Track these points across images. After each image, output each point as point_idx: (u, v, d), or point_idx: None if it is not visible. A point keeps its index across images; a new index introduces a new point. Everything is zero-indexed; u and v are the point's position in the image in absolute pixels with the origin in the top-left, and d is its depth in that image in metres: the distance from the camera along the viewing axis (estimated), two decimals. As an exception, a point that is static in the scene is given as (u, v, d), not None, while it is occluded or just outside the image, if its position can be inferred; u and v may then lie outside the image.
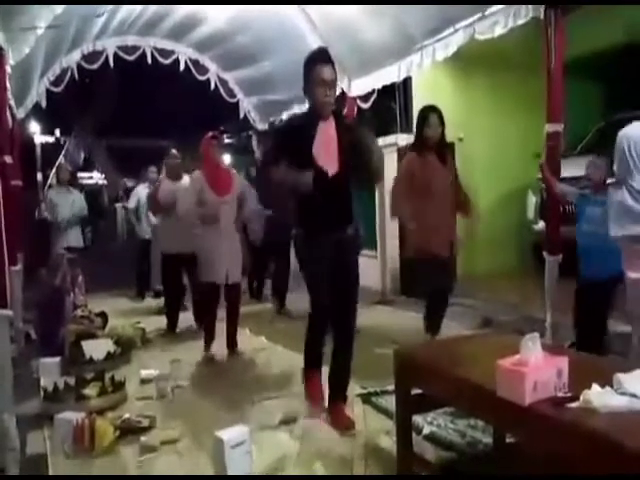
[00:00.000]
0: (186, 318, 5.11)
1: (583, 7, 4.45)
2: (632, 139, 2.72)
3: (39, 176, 13.94)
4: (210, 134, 4.19)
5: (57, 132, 16.37)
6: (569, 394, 1.52)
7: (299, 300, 4.23)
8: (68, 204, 6.25)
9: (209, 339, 4.13)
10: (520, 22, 3.62)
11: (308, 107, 2.84)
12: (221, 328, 4.24)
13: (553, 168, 3.51)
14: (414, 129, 3.88)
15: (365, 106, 5.78)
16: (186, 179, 4.82)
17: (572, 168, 5.03)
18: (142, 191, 6.57)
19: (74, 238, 6.25)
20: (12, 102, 4.74)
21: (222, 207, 4.02)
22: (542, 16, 3.42)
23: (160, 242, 5.19)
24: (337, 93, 2.86)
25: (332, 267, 2.71)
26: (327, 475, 2.30)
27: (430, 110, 3.69)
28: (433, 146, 3.66)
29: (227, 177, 4.18)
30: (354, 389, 3.11)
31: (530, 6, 3.49)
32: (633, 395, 1.46)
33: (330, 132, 2.71)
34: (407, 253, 3.84)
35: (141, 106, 14.94)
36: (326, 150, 2.67)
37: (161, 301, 5.95)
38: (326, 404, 2.85)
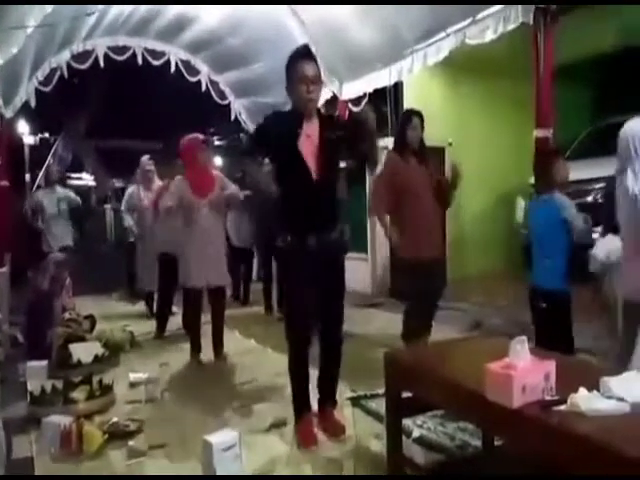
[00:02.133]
0: (176, 321, 5.08)
1: (572, 13, 4.50)
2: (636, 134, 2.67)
3: (27, 177, 13.80)
4: (201, 137, 4.13)
5: (46, 132, 16.22)
6: (557, 397, 1.54)
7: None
8: (54, 203, 6.21)
9: (196, 349, 4.09)
10: (510, 27, 3.66)
11: (291, 105, 2.76)
12: (208, 331, 4.24)
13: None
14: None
15: (356, 109, 5.80)
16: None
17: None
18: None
19: (63, 236, 6.21)
20: (0, 102, 4.70)
21: (202, 209, 3.97)
22: (531, 22, 3.46)
23: (155, 242, 5.15)
24: (324, 94, 2.82)
25: (317, 272, 2.64)
26: (323, 475, 2.30)
27: (413, 113, 3.74)
28: (414, 149, 3.69)
29: (210, 180, 4.10)
30: (344, 392, 3.11)
31: (520, 12, 3.53)
32: (620, 399, 1.47)
33: (315, 133, 2.65)
34: (396, 255, 3.84)
35: (131, 107, 14.85)
36: (311, 152, 2.62)
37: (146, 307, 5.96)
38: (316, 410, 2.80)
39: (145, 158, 5.64)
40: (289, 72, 2.65)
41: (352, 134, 2.70)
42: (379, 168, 3.60)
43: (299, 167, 2.59)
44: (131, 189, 5.88)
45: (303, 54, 2.67)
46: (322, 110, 2.86)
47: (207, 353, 4.14)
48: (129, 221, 5.90)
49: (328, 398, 2.81)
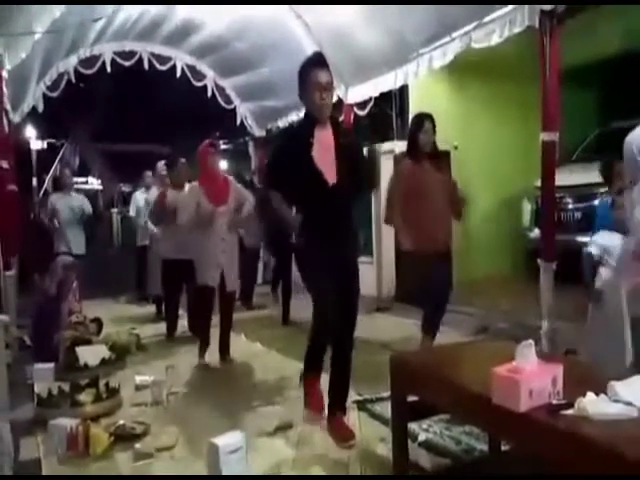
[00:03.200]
0: (181, 324, 5.10)
1: (579, 16, 4.48)
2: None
3: (34, 181, 13.90)
4: (207, 142, 4.16)
5: (53, 137, 16.35)
6: (564, 401, 1.53)
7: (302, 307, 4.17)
8: (68, 209, 6.25)
9: (204, 346, 4.11)
10: (516, 31, 3.65)
11: (305, 112, 2.80)
12: (216, 334, 4.25)
13: (549, 176, 3.53)
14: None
15: (362, 113, 5.81)
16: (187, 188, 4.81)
17: (568, 176, 5.08)
18: (140, 197, 6.55)
19: (76, 244, 6.24)
20: (8, 106, 4.74)
21: (218, 216, 4.00)
22: (537, 25, 3.45)
23: (160, 248, 5.17)
24: (334, 100, 2.84)
25: (333, 277, 2.66)
26: (326, 475, 2.30)
27: (424, 117, 3.75)
28: (427, 153, 3.70)
29: (224, 186, 4.14)
30: (350, 396, 3.10)
31: (526, 15, 3.52)
32: (627, 403, 1.46)
33: (328, 139, 2.68)
34: (403, 251, 3.86)
35: (137, 111, 14.96)
36: (325, 158, 2.64)
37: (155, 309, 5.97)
38: (326, 414, 2.78)
39: (161, 164, 5.66)
40: (302, 79, 2.68)
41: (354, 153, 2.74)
42: (390, 175, 3.67)
43: (314, 175, 2.61)
44: (152, 194, 5.82)
45: (316, 61, 2.70)
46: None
47: (214, 356, 4.15)
48: (152, 228, 5.75)
49: (338, 404, 2.79)
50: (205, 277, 4.03)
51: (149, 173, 6.58)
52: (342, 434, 2.65)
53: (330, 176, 2.64)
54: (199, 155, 4.12)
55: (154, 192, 5.69)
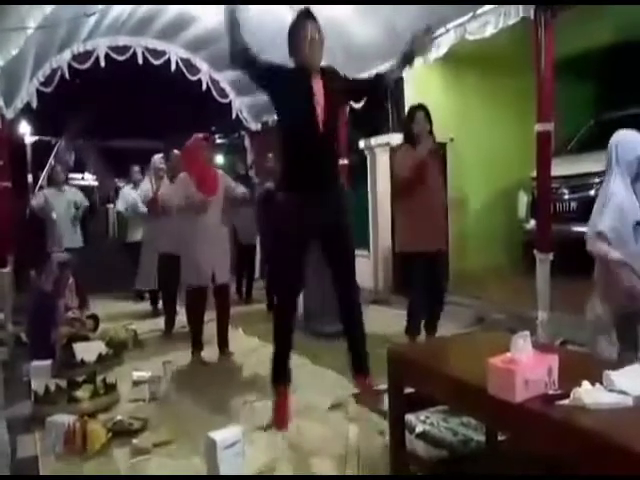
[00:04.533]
0: (178, 319, 5.09)
1: (575, 6, 4.47)
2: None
3: (30, 178, 13.83)
4: (201, 135, 4.14)
5: (48, 133, 16.24)
6: (559, 391, 1.53)
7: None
8: (63, 205, 6.21)
9: (197, 347, 4.09)
10: (511, 22, 3.64)
11: (295, 65, 2.78)
12: (211, 329, 4.25)
13: (544, 167, 3.52)
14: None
15: (357, 106, 5.79)
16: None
17: (563, 167, 5.08)
18: (127, 192, 6.50)
19: (71, 239, 6.20)
20: (1, 102, 4.71)
21: (208, 207, 3.97)
22: (532, 16, 3.44)
23: (156, 242, 5.15)
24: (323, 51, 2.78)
25: (318, 232, 2.65)
26: (326, 475, 2.31)
27: (416, 108, 3.84)
28: (422, 142, 3.74)
29: (214, 179, 4.12)
30: (347, 388, 3.11)
31: (520, 6, 3.50)
32: (622, 392, 1.47)
33: (319, 89, 2.69)
34: (401, 247, 3.89)
35: (132, 106, 14.88)
36: (319, 105, 2.65)
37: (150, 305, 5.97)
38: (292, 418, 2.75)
39: (157, 157, 5.61)
40: (292, 35, 2.73)
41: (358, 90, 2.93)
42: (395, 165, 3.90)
43: (309, 120, 2.61)
44: (145, 185, 5.75)
45: (304, 15, 2.75)
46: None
47: (210, 351, 4.15)
48: (143, 208, 5.74)
49: (361, 367, 2.84)
50: (194, 277, 4.00)
51: (136, 168, 6.55)
52: (371, 397, 2.71)
53: (321, 124, 2.64)
54: (190, 148, 4.09)
55: (147, 185, 5.65)
